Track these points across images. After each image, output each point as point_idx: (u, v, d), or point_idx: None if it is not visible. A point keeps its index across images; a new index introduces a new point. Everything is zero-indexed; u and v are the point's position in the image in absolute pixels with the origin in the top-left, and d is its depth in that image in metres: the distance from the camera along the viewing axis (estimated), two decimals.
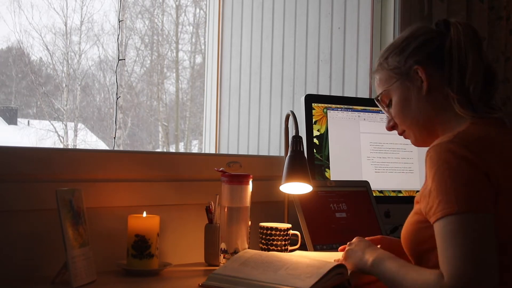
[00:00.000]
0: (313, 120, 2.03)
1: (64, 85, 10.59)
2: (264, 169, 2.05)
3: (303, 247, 1.77)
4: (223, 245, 1.69)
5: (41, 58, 11.08)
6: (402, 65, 1.44)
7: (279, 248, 1.75)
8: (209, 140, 3.56)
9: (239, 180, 1.70)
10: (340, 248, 1.58)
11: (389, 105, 1.50)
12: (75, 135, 10.62)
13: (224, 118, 3.47)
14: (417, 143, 1.49)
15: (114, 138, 8.37)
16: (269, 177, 1.98)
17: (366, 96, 2.52)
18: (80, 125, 10.79)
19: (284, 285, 1.37)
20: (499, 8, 2.60)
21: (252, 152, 3.26)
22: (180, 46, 11.12)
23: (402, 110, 1.46)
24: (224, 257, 1.68)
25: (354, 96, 2.57)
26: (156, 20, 11.36)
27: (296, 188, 1.77)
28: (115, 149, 4.98)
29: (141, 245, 1.57)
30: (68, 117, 10.55)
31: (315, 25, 2.89)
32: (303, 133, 1.91)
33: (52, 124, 10.51)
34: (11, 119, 11.07)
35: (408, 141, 1.56)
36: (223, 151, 3.45)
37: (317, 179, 1.96)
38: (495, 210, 1.23)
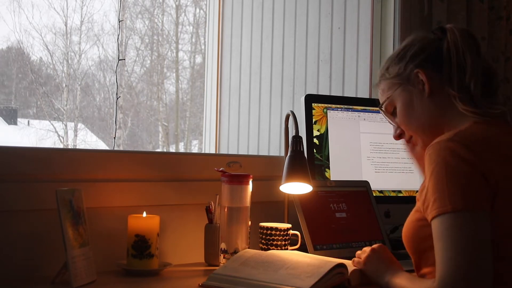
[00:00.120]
0: (313, 120, 2.03)
1: (64, 85, 10.58)
2: (264, 169, 2.05)
3: (303, 247, 1.77)
4: (223, 245, 1.69)
5: (41, 58, 11.08)
6: (403, 71, 1.45)
7: (279, 248, 1.75)
8: (209, 140, 3.56)
9: (239, 180, 1.70)
10: (361, 250, 1.55)
11: (393, 113, 1.51)
12: (75, 135, 10.62)
13: (224, 118, 3.47)
14: (426, 147, 1.48)
15: (114, 138, 8.37)
16: (269, 177, 1.98)
17: (366, 96, 2.52)
18: (80, 125, 10.78)
19: (284, 284, 1.37)
20: (499, 8, 2.60)
21: (252, 152, 3.26)
22: (180, 46, 11.12)
23: (407, 115, 1.46)
24: (224, 257, 1.68)
25: (354, 96, 2.57)
26: (156, 20, 11.36)
27: (296, 188, 1.77)
28: (115, 149, 4.98)
29: (141, 245, 1.57)
30: (68, 117, 10.55)
31: (315, 25, 2.89)
32: (303, 133, 1.91)
33: (52, 124, 10.50)
34: (11, 119, 11.07)
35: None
36: (223, 151, 3.45)
37: (317, 179, 1.96)
38: (491, 210, 1.23)
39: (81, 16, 10.92)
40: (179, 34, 11.10)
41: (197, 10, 11.19)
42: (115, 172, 1.71)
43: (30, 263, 1.53)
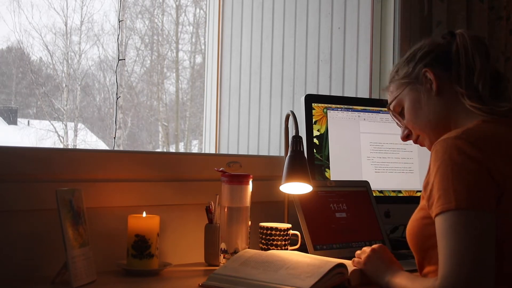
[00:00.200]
0: (313, 120, 2.03)
1: (64, 85, 10.59)
2: (264, 169, 2.05)
3: (303, 247, 1.77)
4: (223, 245, 1.69)
5: (41, 58, 11.08)
6: (411, 71, 1.47)
7: (279, 248, 1.75)
8: (209, 140, 3.56)
9: (239, 180, 1.70)
10: (361, 250, 1.55)
11: (401, 114, 1.52)
12: (75, 135, 10.62)
13: (224, 118, 3.47)
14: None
15: (114, 138, 8.37)
16: (269, 177, 1.98)
17: (366, 96, 2.52)
18: (80, 125, 10.79)
19: (285, 284, 1.37)
20: (499, 8, 2.60)
21: (252, 152, 3.26)
22: (180, 46, 11.12)
23: (415, 114, 1.47)
24: (224, 257, 1.68)
25: (354, 96, 2.57)
26: (156, 20, 11.36)
27: (296, 188, 1.77)
28: (115, 149, 4.98)
29: (141, 245, 1.57)
30: (68, 117, 10.55)
31: (315, 25, 2.89)
32: (303, 133, 1.91)
33: (52, 124, 10.51)
34: (11, 119, 11.07)
35: (409, 141, 1.57)
36: (223, 151, 3.45)
37: (317, 179, 1.96)
38: (496, 209, 1.23)
39: (81, 16, 10.92)
40: (179, 34, 11.10)
41: (197, 10, 11.20)
42: (115, 172, 1.71)
43: (30, 263, 1.53)
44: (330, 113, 2.06)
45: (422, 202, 1.35)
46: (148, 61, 11.31)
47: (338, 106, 2.09)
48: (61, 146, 10.18)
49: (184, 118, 11.00)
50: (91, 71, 11.15)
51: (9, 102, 11.26)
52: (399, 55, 2.40)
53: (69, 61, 10.70)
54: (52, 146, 9.72)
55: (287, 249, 1.77)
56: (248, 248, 1.68)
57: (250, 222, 1.73)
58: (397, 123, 1.57)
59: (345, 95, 2.63)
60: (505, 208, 1.24)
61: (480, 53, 1.42)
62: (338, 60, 2.73)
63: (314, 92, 2.77)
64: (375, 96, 2.49)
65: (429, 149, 1.45)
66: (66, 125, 10.51)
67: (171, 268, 1.64)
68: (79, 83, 10.76)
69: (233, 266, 1.49)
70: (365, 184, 1.96)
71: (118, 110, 10.03)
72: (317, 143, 2.01)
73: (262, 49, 3.25)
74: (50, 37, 11.20)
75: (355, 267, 1.50)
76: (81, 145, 10.46)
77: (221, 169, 1.74)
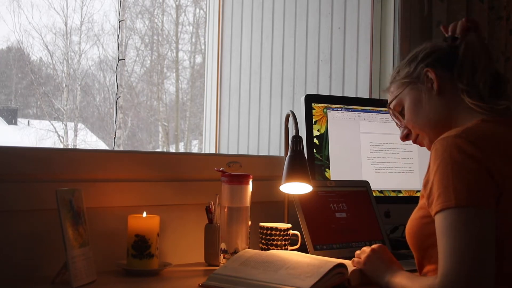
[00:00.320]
0: (313, 120, 2.03)
1: (64, 85, 10.58)
2: (264, 169, 2.05)
3: (303, 247, 1.77)
4: (223, 245, 1.69)
5: (41, 58, 11.08)
6: (412, 71, 1.48)
7: (279, 248, 1.75)
8: (209, 140, 3.56)
9: (239, 180, 1.70)
10: (361, 250, 1.55)
11: (401, 113, 1.53)
12: (75, 135, 10.62)
13: (224, 118, 3.47)
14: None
15: (114, 138, 8.37)
16: (269, 177, 1.98)
17: (366, 96, 2.52)
18: (80, 125, 10.79)
19: (285, 284, 1.37)
20: (499, 8, 2.60)
21: (252, 152, 3.26)
22: (180, 46, 11.12)
23: (415, 112, 1.48)
24: (224, 257, 1.68)
25: (354, 96, 2.57)
26: (156, 20, 11.36)
27: (296, 188, 1.77)
28: (115, 149, 4.98)
29: (141, 245, 1.57)
30: (68, 117, 10.55)
31: (315, 25, 2.89)
32: (303, 133, 1.91)
33: (52, 124, 10.50)
34: (11, 119, 11.07)
35: (408, 141, 1.57)
36: (223, 151, 3.45)
37: (317, 179, 1.96)
38: (496, 208, 1.24)
39: (81, 16, 10.92)
40: (179, 34, 11.10)
41: (197, 10, 11.20)
42: (115, 172, 1.71)
43: (30, 263, 1.53)
44: (330, 113, 2.06)
45: (422, 201, 1.36)
46: (148, 61, 11.32)
47: (338, 106, 2.09)
48: (61, 146, 10.18)
49: (184, 118, 11.00)
50: (91, 71, 11.16)
51: (9, 102, 11.26)
52: (399, 55, 2.40)
53: (69, 61, 10.70)
54: (52, 146, 9.72)
55: (287, 249, 1.77)
56: (248, 248, 1.68)
57: (250, 222, 1.73)
58: (396, 123, 1.57)
59: (345, 95, 2.63)
60: (504, 208, 1.24)
61: (485, 53, 1.44)
62: (338, 60, 2.73)
63: (314, 92, 2.77)
64: (375, 96, 2.49)
65: (428, 148, 1.45)
66: (66, 125, 10.51)
67: (171, 268, 1.64)
68: (79, 83, 10.76)
69: (233, 266, 1.49)
70: (365, 184, 1.96)
71: (118, 110, 10.03)
72: (317, 143, 2.01)
73: (262, 49, 3.25)
74: (50, 37, 11.20)
75: (355, 267, 1.50)
76: (81, 145, 10.46)
77: (221, 169, 1.74)
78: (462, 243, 1.19)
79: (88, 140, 10.71)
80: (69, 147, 10.16)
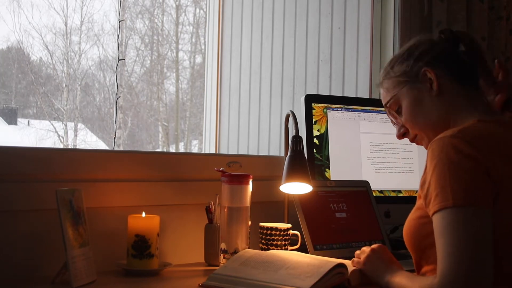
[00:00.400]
0: (313, 120, 2.03)
1: (64, 85, 10.59)
2: (264, 169, 2.05)
3: (303, 247, 1.77)
4: (223, 245, 1.69)
5: (41, 58, 11.09)
6: (410, 69, 1.46)
7: (279, 248, 1.75)
8: (209, 140, 3.56)
9: (239, 180, 1.70)
10: (360, 250, 1.55)
11: (398, 112, 1.51)
12: (75, 135, 10.62)
13: (224, 118, 3.47)
14: None
15: (114, 138, 8.37)
16: (269, 177, 1.98)
17: (366, 96, 2.52)
18: (80, 125, 10.79)
19: (284, 284, 1.37)
20: (499, 8, 2.60)
21: (252, 152, 3.26)
22: (180, 46, 11.13)
23: (414, 112, 1.47)
24: (224, 257, 1.68)
25: (354, 96, 2.57)
26: (156, 20, 11.37)
27: (296, 188, 1.77)
28: (115, 149, 4.98)
29: (141, 245, 1.57)
30: (68, 117, 10.56)
31: (315, 25, 2.89)
32: (303, 133, 1.91)
33: (52, 124, 10.51)
34: (11, 119, 11.07)
35: (409, 141, 1.56)
36: (223, 151, 3.45)
37: (317, 179, 1.96)
38: (494, 207, 1.24)
39: (81, 16, 10.93)
40: (179, 34, 11.11)
41: (197, 10, 11.21)
42: (115, 172, 1.71)
43: (30, 263, 1.53)
44: (330, 113, 2.06)
45: (419, 202, 1.36)
46: (148, 61, 11.32)
47: (338, 106, 2.09)
48: (61, 146, 10.18)
49: (184, 118, 11.01)
50: (91, 71, 11.16)
51: (9, 102, 11.27)
52: None
53: (69, 61, 10.71)
54: (52, 146, 9.72)
55: (287, 249, 1.77)
56: (248, 248, 1.68)
57: (250, 222, 1.73)
58: (392, 120, 1.56)
59: (345, 95, 2.63)
60: (500, 208, 1.25)
61: (482, 54, 1.46)
62: (338, 60, 2.73)
63: (314, 92, 2.77)
64: (375, 96, 2.49)
65: (426, 148, 1.44)
66: (66, 125, 10.52)
67: (171, 268, 1.64)
68: (79, 83, 10.77)
69: (233, 266, 1.49)
70: (365, 184, 1.96)
71: (118, 110, 10.04)
72: (317, 143, 2.01)
73: (262, 49, 3.25)
74: (50, 37, 11.21)
75: (355, 267, 1.50)
76: (81, 145, 10.47)
77: (221, 169, 1.74)
78: (461, 243, 1.19)
79: (88, 140, 10.71)
80: (69, 147, 10.16)
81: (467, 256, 1.19)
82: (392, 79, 1.50)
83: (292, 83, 3.01)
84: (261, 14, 3.27)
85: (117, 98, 8.20)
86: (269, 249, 1.74)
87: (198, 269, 1.72)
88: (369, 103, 2.14)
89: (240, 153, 3.31)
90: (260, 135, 3.24)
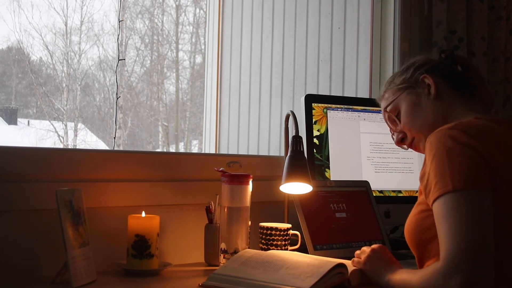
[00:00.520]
0: (313, 120, 2.03)
1: (64, 85, 10.59)
2: (264, 169, 2.05)
3: (303, 247, 1.77)
4: (223, 245, 1.69)
5: (41, 58, 11.09)
6: (410, 77, 1.54)
7: (279, 248, 1.75)
8: (209, 140, 3.56)
9: (239, 180, 1.70)
10: (360, 250, 1.55)
11: (397, 117, 1.56)
12: (75, 135, 10.62)
13: (224, 118, 3.47)
14: None
15: (114, 138, 8.36)
16: (269, 177, 1.98)
17: (366, 96, 2.52)
18: (80, 125, 10.79)
19: (284, 284, 1.37)
20: (499, 8, 2.60)
21: (252, 152, 3.26)
22: (180, 46, 11.12)
23: (413, 115, 1.52)
24: (224, 257, 1.68)
25: (354, 96, 2.57)
26: (156, 20, 11.36)
27: (296, 188, 1.77)
28: (115, 149, 4.97)
29: (141, 245, 1.57)
30: (68, 117, 10.56)
31: (315, 25, 2.89)
32: (303, 133, 1.91)
33: (52, 124, 10.51)
34: (11, 119, 11.07)
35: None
36: (223, 151, 3.45)
37: (317, 179, 1.96)
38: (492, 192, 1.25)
39: (81, 16, 10.93)
40: (179, 34, 11.11)
41: (197, 10, 11.20)
42: (115, 172, 1.71)
43: (30, 263, 1.53)
44: (330, 113, 2.06)
45: (420, 197, 1.38)
46: (148, 61, 11.32)
47: (338, 106, 2.09)
48: (61, 146, 10.18)
49: (184, 118, 11.00)
50: (91, 71, 11.16)
51: (9, 102, 11.27)
52: (399, 55, 2.40)
53: (69, 61, 10.71)
54: (52, 146, 9.72)
55: (287, 249, 1.77)
56: (248, 248, 1.68)
57: (250, 222, 1.73)
58: (390, 128, 1.60)
59: (345, 95, 2.63)
60: (498, 197, 1.26)
61: (480, 77, 1.57)
62: (338, 60, 2.73)
63: (314, 92, 2.77)
64: (375, 96, 2.48)
65: (423, 152, 1.47)
66: (66, 125, 10.52)
67: (171, 268, 1.64)
68: (79, 83, 10.77)
69: (233, 266, 1.49)
70: (365, 184, 1.96)
71: (118, 110, 10.04)
72: (317, 143, 2.01)
73: (262, 49, 3.25)
74: (50, 37, 11.21)
75: (355, 267, 1.50)
76: (81, 145, 10.47)
77: (221, 169, 1.74)
78: (463, 224, 1.21)
79: (88, 140, 10.71)
80: (69, 147, 10.16)
81: (470, 237, 1.19)
82: (392, 89, 1.57)
83: (292, 83, 3.01)
84: (261, 14, 3.27)
85: (117, 98, 8.20)
86: (269, 249, 1.74)
87: (198, 269, 1.72)
88: (369, 103, 2.14)
89: (240, 153, 3.31)
90: (260, 135, 3.24)
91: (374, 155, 2.11)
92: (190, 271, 1.69)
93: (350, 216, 1.87)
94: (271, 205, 1.97)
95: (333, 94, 2.71)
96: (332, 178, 2.00)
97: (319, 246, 1.77)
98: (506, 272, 1.28)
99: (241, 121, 3.37)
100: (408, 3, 2.41)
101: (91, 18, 11.15)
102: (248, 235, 1.71)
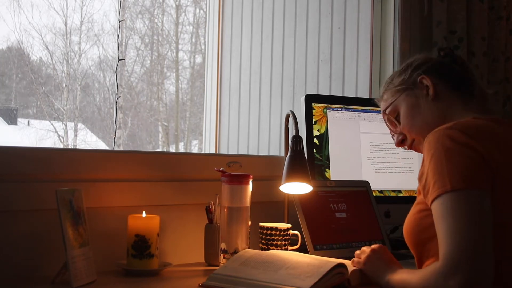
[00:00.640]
0: (313, 120, 2.03)
1: (64, 85, 10.58)
2: (264, 169, 2.05)
3: (303, 247, 1.77)
4: (223, 245, 1.69)
5: (41, 58, 11.08)
6: (408, 78, 1.53)
7: (279, 248, 1.75)
8: (209, 140, 3.56)
9: (239, 180, 1.70)
10: (360, 250, 1.55)
11: (396, 119, 1.57)
12: (75, 135, 10.62)
13: (224, 118, 3.47)
14: None
15: (114, 138, 8.36)
16: (269, 177, 1.98)
17: (366, 96, 2.52)
18: (80, 125, 10.79)
19: (284, 284, 1.37)
20: (499, 8, 2.60)
21: (252, 152, 3.26)
22: (180, 46, 11.12)
23: (411, 117, 1.52)
24: (224, 257, 1.68)
25: (354, 96, 2.57)
26: (156, 20, 11.36)
27: (296, 188, 1.77)
28: (115, 149, 4.98)
29: (141, 245, 1.57)
30: (68, 117, 10.55)
31: (315, 25, 2.89)
32: (303, 133, 1.91)
33: (52, 124, 10.50)
34: (11, 119, 11.07)
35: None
36: (223, 151, 3.45)
37: (317, 179, 1.96)
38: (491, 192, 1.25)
39: (81, 16, 10.92)
40: (179, 34, 11.10)
41: (197, 10, 11.20)
42: (115, 172, 1.71)
43: (30, 263, 1.53)
44: (330, 113, 2.06)
45: (419, 197, 1.38)
46: (148, 61, 11.32)
47: (338, 106, 2.09)
48: (61, 146, 10.18)
49: (184, 118, 11.00)
50: (91, 71, 11.16)
51: (9, 102, 11.26)
52: (399, 55, 2.40)
53: (69, 61, 10.70)
54: (52, 146, 9.72)
55: (287, 249, 1.77)
56: (248, 248, 1.68)
57: (250, 222, 1.73)
58: (390, 129, 1.60)
59: (345, 95, 2.63)
60: (498, 197, 1.26)
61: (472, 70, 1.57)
62: (338, 60, 2.73)
63: (314, 92, 2.77)
64: (375, 96, 2.48)
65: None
66: (66, 125, 10.51)
67: (171, 268, 1.64)
68: (79, 83, 10.76)
69: (233, 266, 1.49)
70: (365, 184, 1.96)
71: (118, 110, 10.03)
72: (317, 143, 2.01)
73: (262, 49, 3.25)
74: (50, 37, 11.20)
75: (355, 267, 1.50)
76: (81, 145, 10.46)
77: (221, 169, 1.74)
78: (462, 224, 1.21)
79: (88, 140, 10.71)
80: (69, 147, 10.16)
81: (469, 237, 1.19)
82: (391, 90, 1.57)
83: (292, 83, 3.01)
84: (261, 14, 3.27)
85: (117, 98, 8.20)
86: (269, 249, 1.74)
87: (198, 269, 1.72)
88: (369, 103, 2.14)
89: (240, 153, 3.31)
90: (260, 135, 3.24)
91: (374, 155, 2.11)
92: (190, 271, 1.69)
93: (350, 216, 1.87)
94: (271, 205, 1.97)
95: (333, 94, 2.71)
96: (332, 178, 2.00)
97: (319, 246, 1.77)
98: (505, 272, 1.28)
99: (241, 121, 3.37)
100: (408, 3, 2.41)
101: (91, 18, 11.15)
102: (248, 235, 1.71)
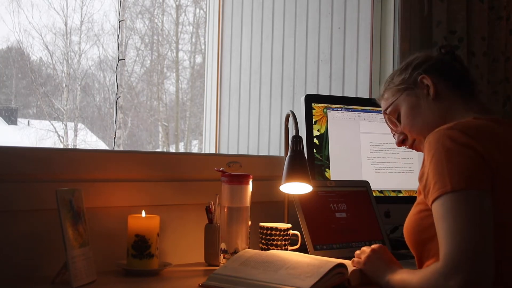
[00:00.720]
0: (313, 120, 2.03)
1: (64, 85, 10.58)
2: (264, 169, 2.05)
3: (303, 247, 1.77)
4: (223, 245, 1.69)
5: (41, 58, 11.08)
6: (408, 78, 1.53)
7: (279, 248, 1.75)
8: (209, 140, 3.56)
9: (239, 180, 1.70)
10: (360, 250, 1.55)
11: (397, 119, 1.56)
12: (75, 135, 10.61)
13: (224, 118, 3.47)
14: None
15: (114, 138, 8.35)
16: (269, 177, 1.98)
17: (366, 96, 2.52)
18: (80, 125, 10.78)
19: (284, 284, 1.37)
20: (499, 8, 2.60)
21: (252, 152, 3.26)
22: (180, 46, 11.12)
23: (413, 116, 1.52)
24: (224, 257, 1.68)
25: (354, 96, 2.57)
26: (156, 20, 11.36)
27: (296, 188, 1.77)
28: (115, 149, 4.97)
29: (141, 245, 1.57)
30: (68, 117, 10.55)
31: (315, 25, 2.89)
32: (303, 133, 1.91)
33: (52, 124, 10.50)
34: (11, 119, 11.07)
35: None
36: (223, 151, 3.45)
37: (317, 179, 1.96)
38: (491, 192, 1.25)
39: (81, 16, 10.92)
40: (179, 34, 11.10)
41: (197, 10, 11.20)
42: (115, 172, 1.71)
43: (30, 263, 1.53)
44: (330, 113, 2.06)
45: (419, 197, 1.37)
46: (148, 61, 11.31)
47: (338, 106, 2.09)
48: (61, 146, 10.18)
49: (184, 118, 11.00)
50: (91, 71, 11.15)
51: (9, 102, 11.26)
52: (399, 55, 2.40)
53: (69, 61, 10.70)
54: (52, 146, 9.72)
55: (287, 249, 1.77)
56: (248, 248, 1.68)
57: (250, 222, 1.73)
58: (391, 129, 1.60)
59: (345, 95, 2.63)
60: (498, 197, 1.26)
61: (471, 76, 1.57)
62: (338, 60, 2.73)
63: (314, 92, 2.77)
64: (375, 96, 2.48)
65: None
66: (66, 125, 10.51)
67: (171, 268, 1.64)
68: (79, 83, 10.76)
69: (233, 266, 1.49)
70: (365, 184, 1.96)
71: (118, 110, 10.03)
72: (317, 143, 2.01)
73: (262, 49, 3.25)
74: (50, 37, 11.20)
75: (355, 267, 1.50)
76: (81, 145, 10.46)
77: (221, 169, 1.74)
78: (462, 224, 1.21)
79: (88, 140, 10.70)
80: (69, 147, 10.16)
81: (469, 237, 1.20)
82: (392, 89, 1.56)
83: (292, 83, 3.01)
84: (261, 14, 3.27)
85: (117, 98, 8.18)
86: (269, 249, 1.74)
87: (198, 269, 1.72)
88: (369, 103, 2.14)
89: (240, 153, 3.31)
90: (260, 135, 3.24)
91: (374, 155, 2.11)
92: (190, 271, 1.69)
93: (350, 216, 1.87)
94: (271, 205, 1.97)
95: (333, 94, 2.71)
96: (332, 178, 2.00)
97: (319, 246, 1.77)
98: (505, 272, 1.28)
99: (241, 121, 3.37)
100: (408, 3, 2.41)
101: (91, 18, 11.14)
102: (248, 235, 1.71)
